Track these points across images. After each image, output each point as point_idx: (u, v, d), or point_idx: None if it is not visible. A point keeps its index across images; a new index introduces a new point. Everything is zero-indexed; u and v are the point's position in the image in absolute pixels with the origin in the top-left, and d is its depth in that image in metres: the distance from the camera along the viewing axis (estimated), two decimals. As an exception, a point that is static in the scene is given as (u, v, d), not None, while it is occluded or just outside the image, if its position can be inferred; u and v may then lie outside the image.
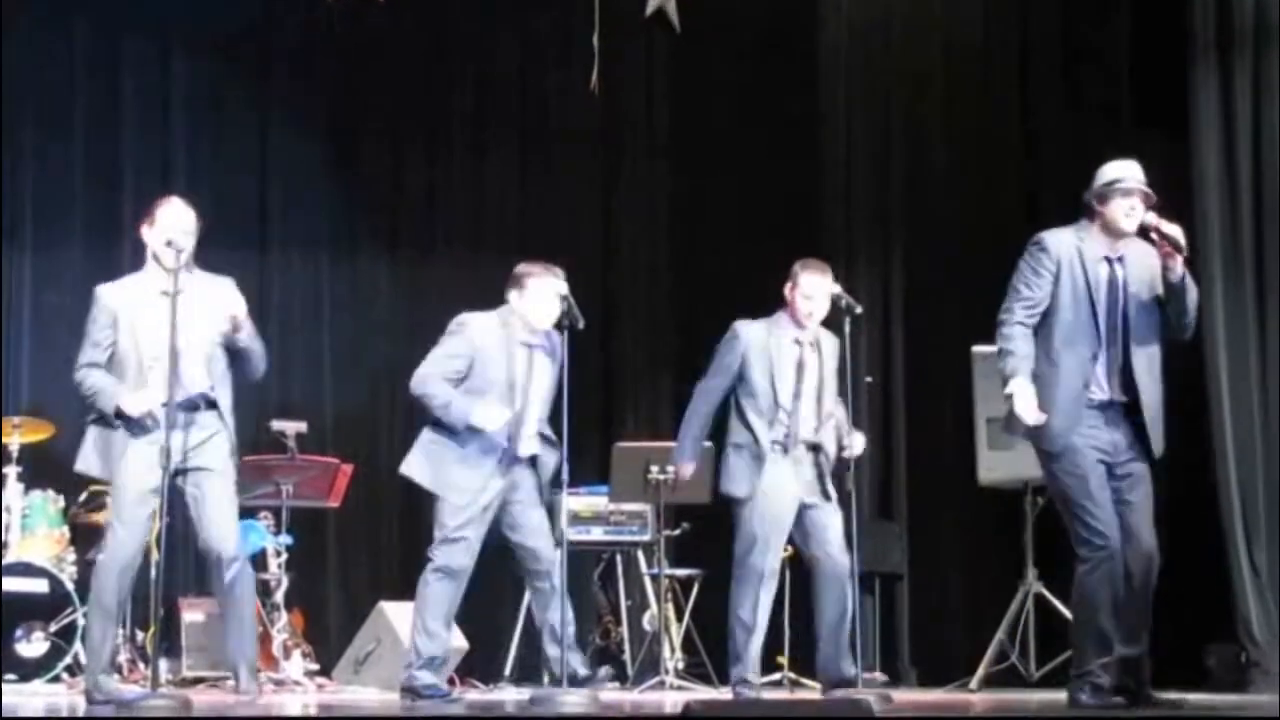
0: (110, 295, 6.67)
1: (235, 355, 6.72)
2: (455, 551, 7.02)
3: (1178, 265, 6.21)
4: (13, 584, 8.36)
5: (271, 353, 10.12)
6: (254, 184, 10.42)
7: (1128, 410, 6.24)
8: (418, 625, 6.99)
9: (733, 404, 7.33)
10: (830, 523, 7.24)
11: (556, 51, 10.53)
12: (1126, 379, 6.23)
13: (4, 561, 8.44)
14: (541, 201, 10.78)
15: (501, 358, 7.06)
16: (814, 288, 7.31)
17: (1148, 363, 6.26)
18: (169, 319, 6.30)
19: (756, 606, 7.15)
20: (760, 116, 10.54)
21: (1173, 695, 6.36)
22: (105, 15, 10.14)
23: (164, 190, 10.11)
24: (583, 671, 7.03)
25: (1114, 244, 6.32)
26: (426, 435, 7.20)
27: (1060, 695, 6.55)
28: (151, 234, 6.69)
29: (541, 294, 7.06)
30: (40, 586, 8.41)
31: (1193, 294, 6.30)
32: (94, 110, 10.20)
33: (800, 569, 8.87)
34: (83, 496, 8.84)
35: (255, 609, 7.01)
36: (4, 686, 8.06)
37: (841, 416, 7.43)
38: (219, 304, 6.63)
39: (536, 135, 10.84)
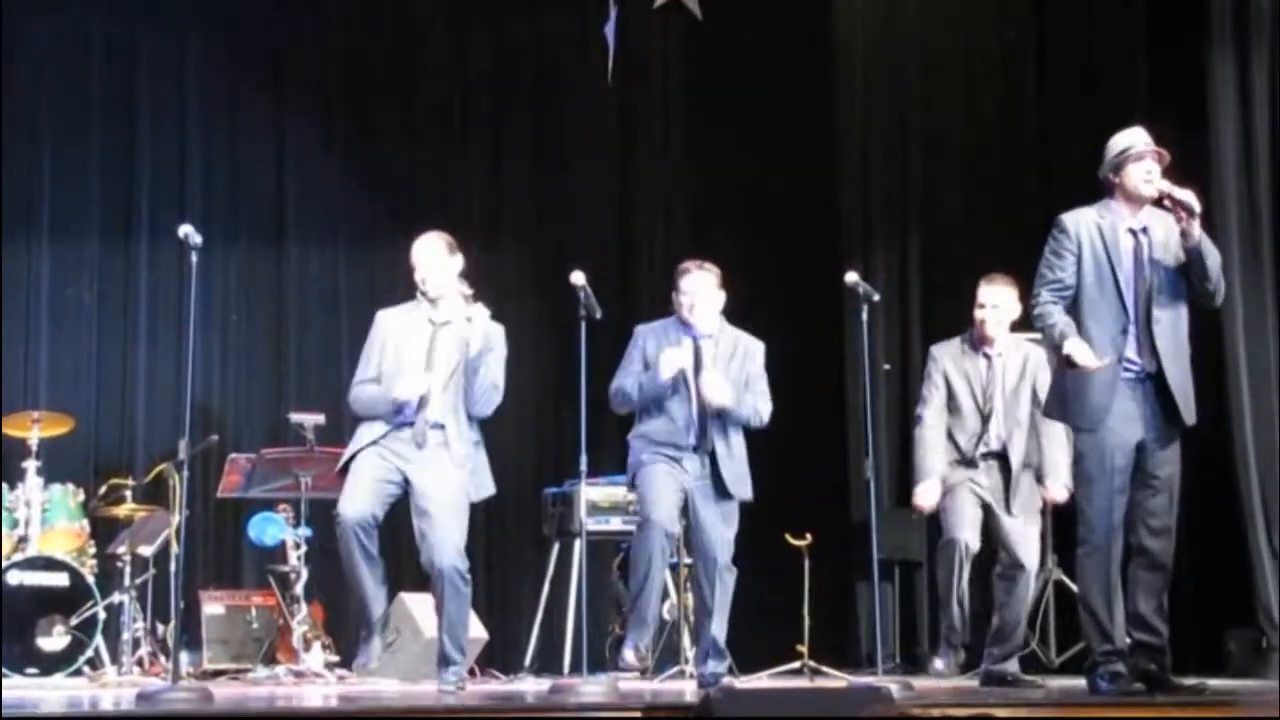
0: (385, 319, 7.04)
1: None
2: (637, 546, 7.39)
3: (1194, 230, 6.26)
4: (33, 578, 8.40)
5: (289, 345, 10.26)
6: (270, 178, 10.43)
7: (1159, 382, 6.27)
8: None
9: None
10: (1013, 527, 7.42)
11: (572, 46, 10.51)
12: (1152, 349, 6.27)
13: (25, 555, 8.47)
14: (558, 195, 10.78)
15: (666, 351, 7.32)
16: (987, 296, 7.52)
17: (1171, 332, 6.30)
18: (427, 347, 6.87)
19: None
20: (776, 110, 10.52)
21: (1193, 681, 6.35)
22: (120, 11, 10.16)
23: (180, 185, 10.20)
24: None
25: (1136, 215, 6.37)
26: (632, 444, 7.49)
27: (1080, 682, 6.55)
28: (415, 270, 7.03)
29: (688, 291, 7.42)
30: (61, 580, 8.43)
31: (1213, 258, 6.32)
32: (110, 107, 10.21)
33: (818, 560, 8.92)
34: (102, 490, 8.88)
35: (465, 613, 7.11)
36: (26, 680, 8.10)
37: (1052, 454, 7.53)
38: (465, 334, 6.93)
39: (552, 129, 10.83)
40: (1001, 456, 7.46)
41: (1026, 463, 7.51)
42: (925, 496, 7.54)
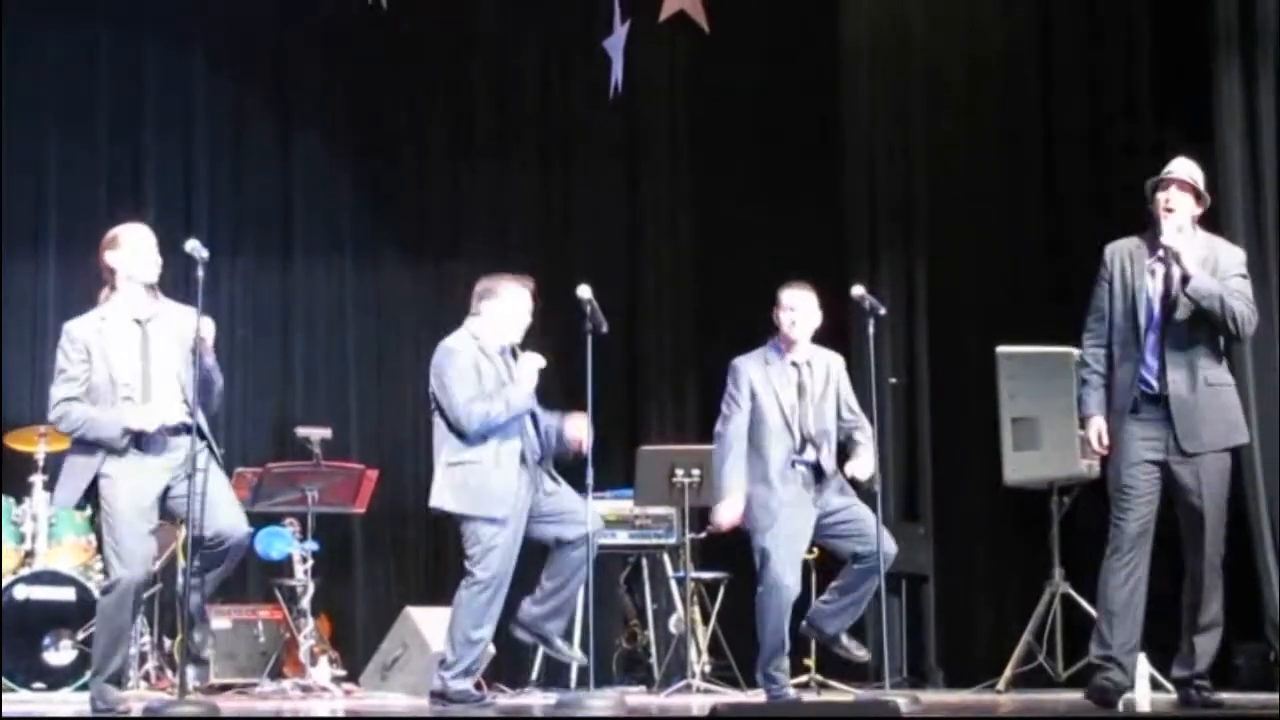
0: (81, 329, 6.50)
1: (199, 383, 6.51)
2: (494, 560, 6.99)
3: (1186, 270, 6.36)
4: (40, 592, 8.40)
5: (295, 359, 10.27)
6: (277, 191, 10.45)
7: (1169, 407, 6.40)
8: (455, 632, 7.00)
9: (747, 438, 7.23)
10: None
11: (579, 56, 10.52)
12: (1166, 372, 6.39)
13: (32, 570, 8.48)
14: (564, 205, 10.78)
15: (489, 367, 7.17)
16: (789, 299, 7.29)
17: (1187, 359, 6.40)
18: (140, 346, 6.42)
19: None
20: (782, 119, 10.52)
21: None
22: (127, 24, 10.18)
23: (186, 199, 10.22)
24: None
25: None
26: (446, 457, 7.10)
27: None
28: (120, 258, 6.60)
29: (515, 303, 7.31)
30: (68, 595, 8.44)
31: (1211, 302, 6.39)
32: (117, 120, 10.22)
33: (826, 574, 8.90)
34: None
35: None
36: (34, 694, 8.10)
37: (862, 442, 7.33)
38: (188, 332, 6.50)
39: (559, 139, 10.84)
40: (815, 467, 7.19)
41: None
42: (728, 513, 7.16)
